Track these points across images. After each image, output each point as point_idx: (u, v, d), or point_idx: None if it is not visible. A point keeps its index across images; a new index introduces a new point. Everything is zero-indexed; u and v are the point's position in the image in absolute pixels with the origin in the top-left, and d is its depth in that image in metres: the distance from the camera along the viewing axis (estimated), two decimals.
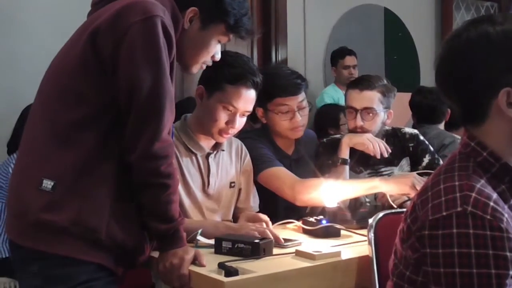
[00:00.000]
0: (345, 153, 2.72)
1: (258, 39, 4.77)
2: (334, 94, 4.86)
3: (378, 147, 2.66)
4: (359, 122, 2.71)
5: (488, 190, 1.29)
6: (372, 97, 2.72)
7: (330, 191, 2.33)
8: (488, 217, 1.23)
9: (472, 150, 1.37)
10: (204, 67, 1.95)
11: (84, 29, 1.71)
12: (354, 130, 2.75)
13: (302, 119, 2.64)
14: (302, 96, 2.64)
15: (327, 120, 4.45)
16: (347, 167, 2.72)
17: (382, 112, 2.74)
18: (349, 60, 4.98)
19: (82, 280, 1.66)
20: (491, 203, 1.26)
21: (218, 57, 1.95)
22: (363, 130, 2.72)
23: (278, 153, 2.61)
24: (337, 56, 5.03)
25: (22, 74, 3.69)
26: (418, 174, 2.49)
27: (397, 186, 2.37)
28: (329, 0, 5.10)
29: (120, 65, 1.63)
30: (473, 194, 1.27)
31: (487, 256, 1.22)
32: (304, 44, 5.00)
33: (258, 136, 2.66)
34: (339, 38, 5.17)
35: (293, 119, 2.62)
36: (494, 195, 1.28)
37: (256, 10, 4.74)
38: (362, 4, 5.29)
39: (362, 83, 2.76)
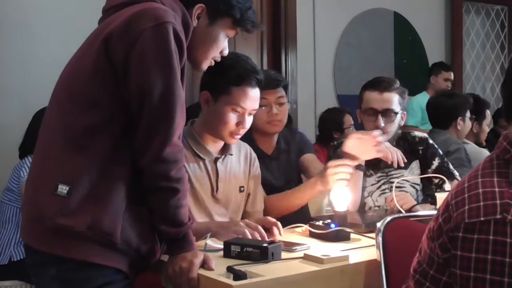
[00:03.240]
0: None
1: (268, 44, 4.78)
2: (422, 102, 4.92)
3: (396, 157, 2.67)
4: (381, 123, 2.71)
5: None
6: (392, 99, 2.73)
7: (339, 195, 2.34)
8: None
9: None
10: (213, 63, 1.97)
11: (97, 35, 1.72)
12: None
13: (279, 114, 2.77)
14: (280, 92, 2.79)
15: (331, 124, 4.46)
16: (361, 173, 2.72)
17: (399, 114, 2.75)
18: (450, 74, 5.34)
19: (99, 284, 1.68)
20: None
21: (226, 52, 1.98)
22: (383, 132, 2.73)
23: (258, 153, 2.61)
24: (441, 67, 5.35)
25: (33, 79, 3.73)
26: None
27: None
28: (338, 5, 5.11)
29: (132, 71, 1.65)
30: None
31: None
32: (314, 49, 5.01)
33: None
34: (349, 42, 5.18)
35: (270, 112, 2.74)
36: None
37: (266, 15, 4.75)
38: (371, 8, 5.30)
39: (382, 84, 2.75)
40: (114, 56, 1.66)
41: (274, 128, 2.79)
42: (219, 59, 1.98)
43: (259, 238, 2.07)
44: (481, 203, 1.28)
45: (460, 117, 3.78)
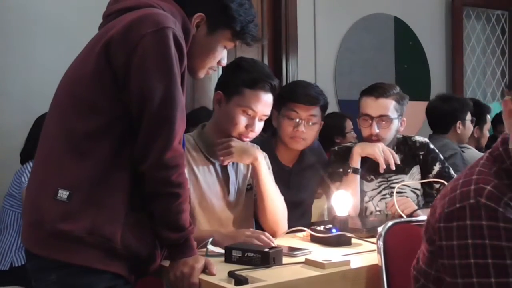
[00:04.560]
0: (356, 162, 2.72)
1: (269, 49, 4.79)
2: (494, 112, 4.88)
3: (391, 158, 2.68)
4: (375, 129, 2.71)
5: (507, 189, 1.30)
6: (387, 105, 2.73)
7: (341, 200, 2.34)
8: (501, 209, 1.25)
9: (499, 155, 1.38)
10: (210, 72, 1.97)
11: (97, 40, 1.73)
12: (368, 138, 2.75)
13: (306, 132, 2.66)
14: (314, 110, 2.67)
15: (333, 128, 4.46)
16: (358, 176, 2.73)
17: (396, 120, 2.75)
18: None
19: None
20: (505, 198, 1.27)
21: (224, 62, 1.97)
22: (378, 138, 2.73)
23: (276, 165, 2.59)
24: None
25: (34, 85, 3.73)
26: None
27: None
28: (339, 10, 5.11)
29: (132, 76, 1.65)
30: (488, 187, 1.29)
31: (501, 247, 1.24)
32: (314, 54, 5.01)
33: (259, 145, 2.64)
34: (349, 47, 5.18)
35: (297, 128, 2.65)
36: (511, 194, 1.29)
37: (266, 20, 4.76)
38: (372, 13, 5.30)
39: (378, 90, 2.76)
40: (114, 61, 1.66)
41: (295, 145, 2.71)
42: (216, 69, 1.98)
43: (267, 240, 2.08)
44: (458, 191, 1.32)
45: (459, 121, 3.77)
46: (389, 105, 2.73)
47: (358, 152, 2.73)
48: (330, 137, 4.42)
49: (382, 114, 2.72)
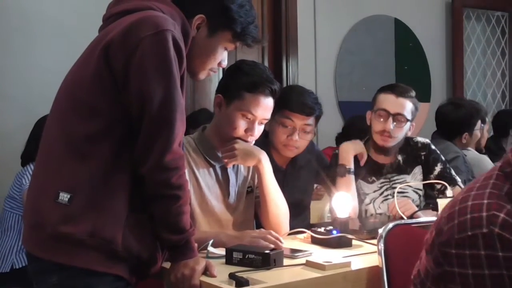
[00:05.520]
0: (349, 162, 2.74)
1: (269, 50, 4.79)
2: None
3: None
4: (390, 125, 2.72)
5: None
6: (406, 105, 2.76)
7: (341, 201, 2.34)
8: None
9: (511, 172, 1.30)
10: (211, 74, 1.97)
11: (97, 43, 1.73)
12: (379, 133, 2.75)
13: (300, 141, 2.65)
14: (310, 120, 2.66)
15: (354, 131, 4.44)
16: (353, 176, 2.73)
17: (409, 123, 2.76)
18: None
19: None
20: None
21: (224, 64, 1.97)
22: (390, 135, 2.73)
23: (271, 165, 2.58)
24: None
25: (35, 87, 3.74)
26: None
27: None
28: (339, 11, 5.11)
29: (131, 78, 1.66)
30: (502, 215, 1.21)
31: None
32: (314, 55, 5.01)
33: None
34: (350, 48, 5.18)
35: (290, 136, 2.64)
36: None
37: (266, 21, 4.76)
38: (372, 15, 5.30)
39: (399, 89, 2.78)
40: (114, 64, 1.66)
41: (287, 153, 2.71)
42: (216, 71, 1.98)
43: (273, 239, 2.08)
44: (468, 216, 1.25)
45: (466, 133, 3.73)
46: (407, 106, 2.75)
47: (350, 151, 2.75)
48: (349, 137, 4.40)
49: (400, 113, 2.73)
